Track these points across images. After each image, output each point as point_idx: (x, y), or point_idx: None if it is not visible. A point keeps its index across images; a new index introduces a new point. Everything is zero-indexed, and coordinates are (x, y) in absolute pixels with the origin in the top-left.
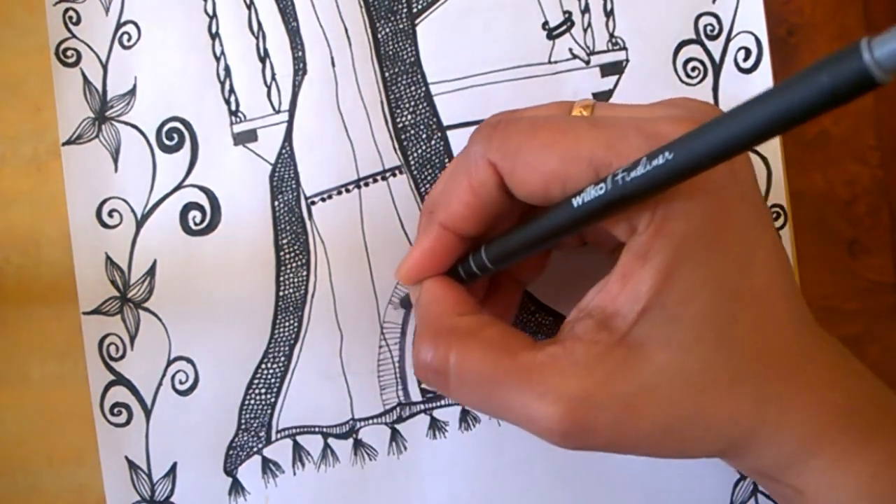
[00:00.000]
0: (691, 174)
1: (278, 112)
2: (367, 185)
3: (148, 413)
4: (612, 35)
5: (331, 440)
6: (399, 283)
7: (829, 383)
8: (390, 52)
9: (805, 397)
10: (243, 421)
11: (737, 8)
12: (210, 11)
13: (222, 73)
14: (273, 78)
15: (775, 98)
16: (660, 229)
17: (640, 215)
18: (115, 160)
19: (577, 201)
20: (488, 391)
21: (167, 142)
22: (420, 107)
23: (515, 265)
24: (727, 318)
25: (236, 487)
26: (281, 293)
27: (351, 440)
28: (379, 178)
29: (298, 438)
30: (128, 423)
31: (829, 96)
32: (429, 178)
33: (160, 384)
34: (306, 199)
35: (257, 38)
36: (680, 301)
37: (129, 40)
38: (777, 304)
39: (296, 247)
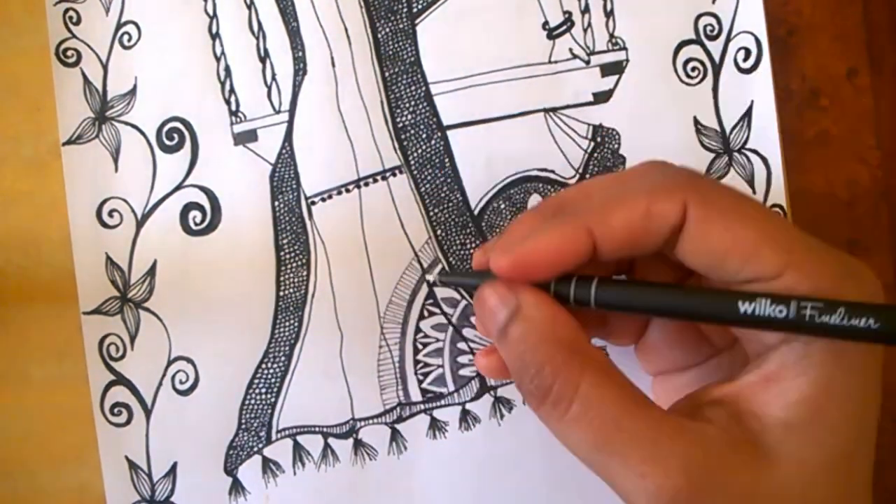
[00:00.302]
0: (882, 342)
1: (278, 112)
2: (367, 184)
3: (148, 413)
4: (612, 35)
5: (331, 440)
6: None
7: None
8: (390, 52)
9: None
10: (243, 421)
11: (736, 8)
12: (210, 11)
13: (222, 73)
14: (273, 78)
15: None
16: (833, 353)
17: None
18: (116, 160)
19: (744, 308)
20: (608, 436)
21: (167, 142)
22: (420, 106)
23: (613, 323)
24: (855, 461)
25: (236, 487)
26: (281, 293)
27: (351, 440)
28: (379, 177)
29: (298, 438)
30: (128, 422)
31: None
32: (429, 177)
33: (160, 384)
34: (306, 199)
35: (257, 39)
36: (827, 430)
37: (129, 40)
38: (867, 475)
39: (296, 247)
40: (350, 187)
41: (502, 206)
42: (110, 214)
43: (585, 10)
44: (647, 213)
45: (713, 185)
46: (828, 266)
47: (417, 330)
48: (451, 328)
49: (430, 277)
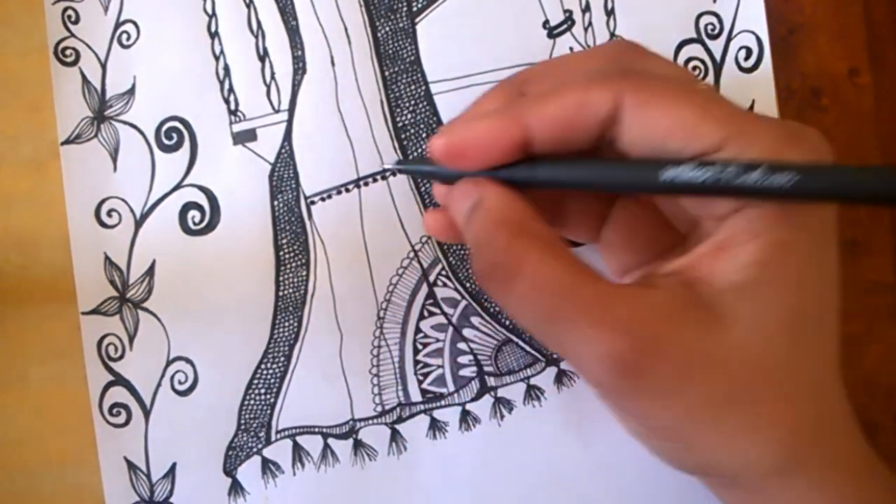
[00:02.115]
0: (799, 200)
1: (278, 111)
2: (366, 184)
3: (147, 413)
4: (612, 34)
5: (331, 440)
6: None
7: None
8: (390, 51)
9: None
10: (243, 421)
11: (737, 7)
12: (209, 10)
13: (221, 73)
14: (272, 77)
15: None
16: (782, 216)
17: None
18: (114, 160)
19: (666, 175)
20: (556, 305)
21: (166, 141)
22: (420, 106)
23: (570, 213)
24: (808, 329)
25: (236, 488)
26: (281, 293)
27: (351, 440)
28: (379, 177)
29: (298, 439)
30: (127, 423)
31: None
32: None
33: (159, 384)
34: (306, 198)
35: (257, 37)
36: (781, 289)
37: (128, 39)
38: (831, 333)
39: (295, 246)
40: (350, 187)
41: None
42: (109, 214)
43: (586, 8)
44: (580, 105)
45: (650, 73)
46: (769, 132)
47: (417, 330)
48: (451, 328)
49: (387, 164)
